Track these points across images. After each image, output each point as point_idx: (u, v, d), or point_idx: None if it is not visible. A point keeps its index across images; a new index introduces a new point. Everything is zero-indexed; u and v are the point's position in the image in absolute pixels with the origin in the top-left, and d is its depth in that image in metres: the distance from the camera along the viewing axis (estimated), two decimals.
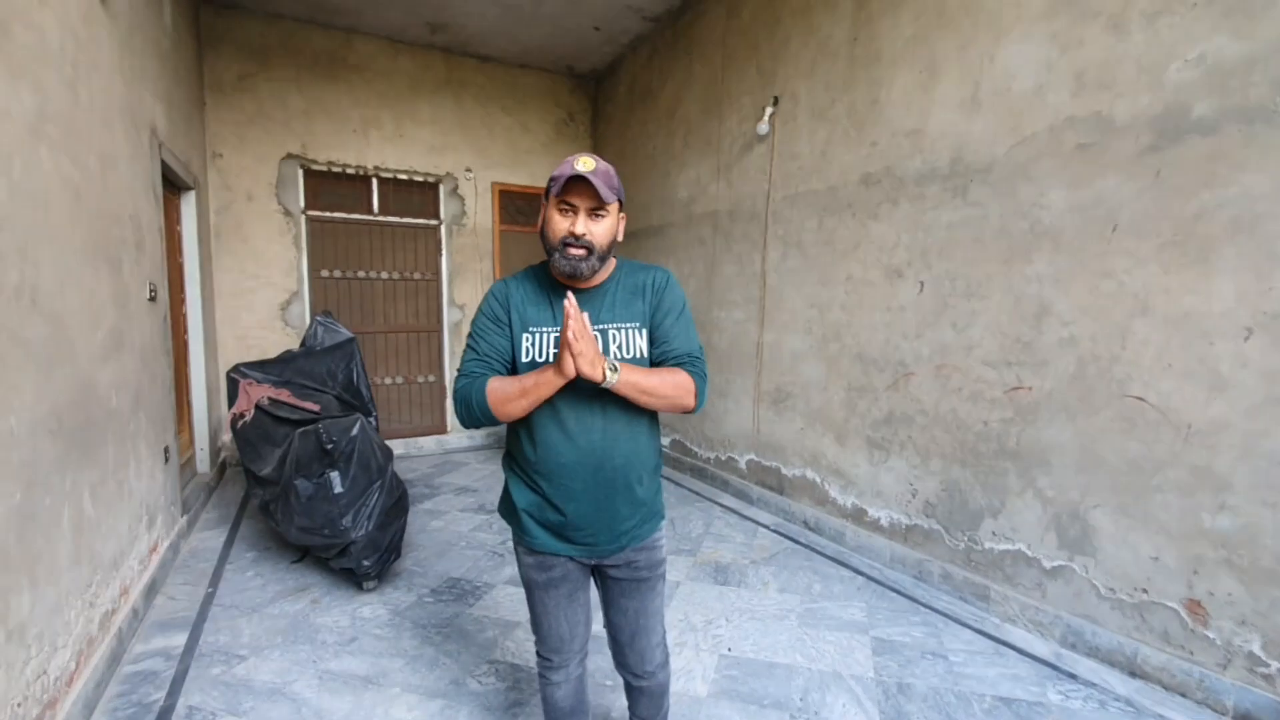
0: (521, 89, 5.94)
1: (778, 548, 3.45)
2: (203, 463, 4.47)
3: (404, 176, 5.50)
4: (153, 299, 3.08)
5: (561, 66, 5.92)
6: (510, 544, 3.30)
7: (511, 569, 3.16)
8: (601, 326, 1.36)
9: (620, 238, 1.37)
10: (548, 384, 1.24)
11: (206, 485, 4.24)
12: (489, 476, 4.89)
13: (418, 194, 5.64)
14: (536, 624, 1.53)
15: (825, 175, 3.48)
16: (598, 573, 1.51)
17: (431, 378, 5.84)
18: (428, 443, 5.77)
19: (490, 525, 3.79)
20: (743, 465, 4.27)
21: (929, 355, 2.93)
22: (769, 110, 3.79)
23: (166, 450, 3.22)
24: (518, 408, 1.28)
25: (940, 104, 2.84)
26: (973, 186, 2.71)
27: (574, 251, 1.28)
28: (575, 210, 1.28)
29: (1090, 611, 2.35)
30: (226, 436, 4.86)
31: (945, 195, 2.83)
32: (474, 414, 1.30)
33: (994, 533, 2.67)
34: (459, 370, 1.37)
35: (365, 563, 2.71)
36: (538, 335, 1.35)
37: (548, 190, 1.33)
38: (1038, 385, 2.49)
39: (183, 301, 4.17)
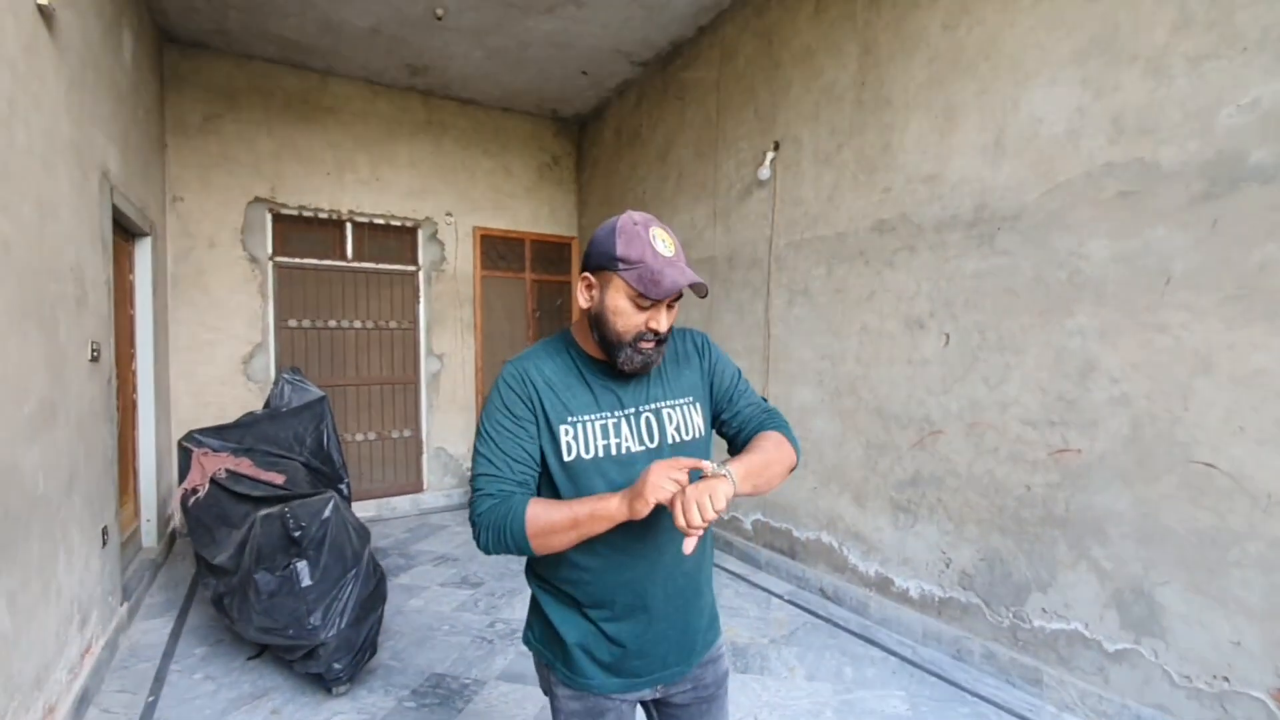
0: (504, 132, 5.78)
1: (796, 622, 3.16)
2: (149, 535, 4.01)
3: (380, 221, 5.23)
4: (95, 359, 2.72)
5: (545, 110, 5.79)
6: (494, 625, 2.98)
7: (504, 660, 2.80)
8: (655, 405, 1.15)
9: None
10: (607, 519, 0.97)
11: (153, 562, 3.78)
12: (470, 542, 4.49)
13: (395, 239, 5.36)
14: None
15: (833, 221, 3.33)
16: (654, 705, 1.26)
17: (407, 432, 5.46)
18: (402, 503, 5.36)
19: (476, 604, 3.41)
20: (748, 526, 3.99)
21: (958, 412, 2.73)
22: (770, 155, 3.66)
23: (105, 532, 2.81)
24: (563, 541, 1.00)
25: (959, 150, 2.71)
26: (1000, 235, 2.57)
27: (647, 346, 1.08)
28: (657, 303, 1.07)
29: (1163, 701, 2.11)
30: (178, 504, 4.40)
31: (969, 243, 2.68)
32: (505, 544, 1.01)
33: (1044, 609, 2.43)
34: (474, 486, 1.08)
35: (336, 666, 2.33)
36: (580, 426, 1.10)
37: (600, 264, 1.06)
38: (1087, 447, 2.29)
39: (132, 357, 3.78)
